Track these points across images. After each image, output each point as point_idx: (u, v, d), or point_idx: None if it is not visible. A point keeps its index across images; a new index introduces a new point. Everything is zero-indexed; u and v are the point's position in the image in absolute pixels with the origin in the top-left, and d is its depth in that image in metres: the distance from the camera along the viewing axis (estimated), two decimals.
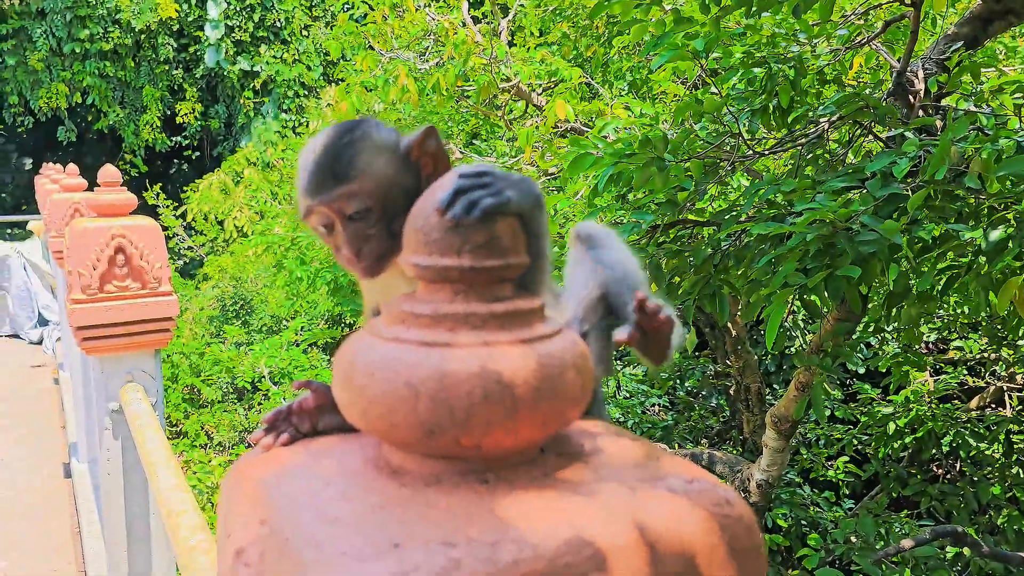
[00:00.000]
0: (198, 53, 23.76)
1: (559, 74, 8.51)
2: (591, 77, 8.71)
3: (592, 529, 1.19)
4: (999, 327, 6.48)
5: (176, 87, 23.93)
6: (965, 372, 8.35)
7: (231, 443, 9.87)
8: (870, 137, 4.44)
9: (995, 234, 3.07)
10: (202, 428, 10.03)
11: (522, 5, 10.44)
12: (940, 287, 3.69)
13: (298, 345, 12.24)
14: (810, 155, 4.84)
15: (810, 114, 4.75)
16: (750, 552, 1.24)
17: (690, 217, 5.89)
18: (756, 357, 9.17)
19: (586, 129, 7.10)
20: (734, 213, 4.81)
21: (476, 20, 10.35)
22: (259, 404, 10.36)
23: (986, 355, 7.86)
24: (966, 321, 7.16)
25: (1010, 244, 3.01)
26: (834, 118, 4.43)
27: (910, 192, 3.28)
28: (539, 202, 1.44)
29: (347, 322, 13.26)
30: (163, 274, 4.36)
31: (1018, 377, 8.19)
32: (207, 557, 2.26)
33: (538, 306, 1.32)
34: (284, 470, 1.37)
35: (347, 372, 1.29)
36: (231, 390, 10.91)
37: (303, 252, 10.91)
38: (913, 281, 3.72)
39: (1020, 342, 6.88)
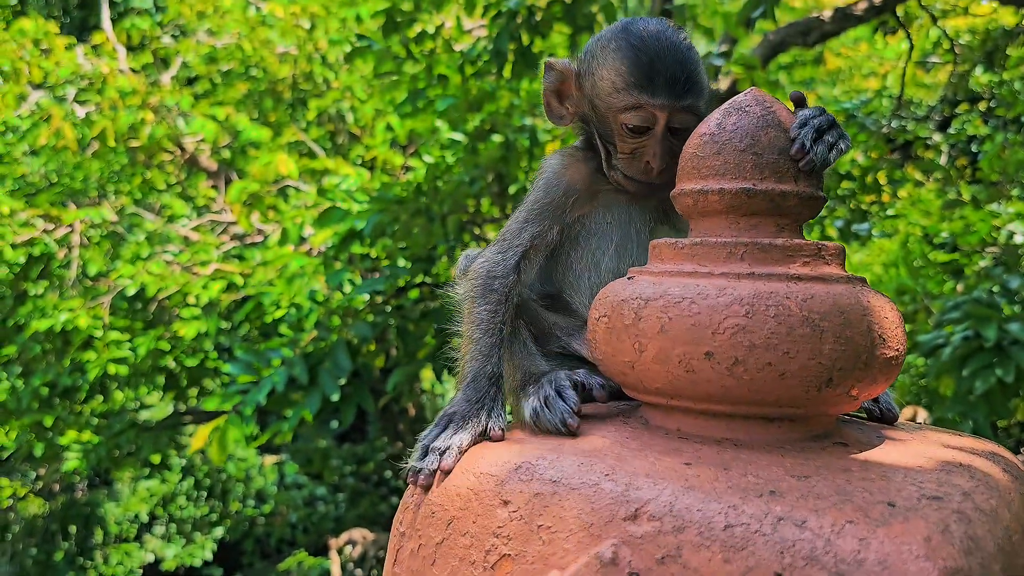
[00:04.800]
0: None
1: (245, 135, 8.01)
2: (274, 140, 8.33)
3: (962, 456, 1.16)
4: None
5: None
6: None
7: None
8: None
9: None
10: None
11: (185, 63, 9.70)
12: None
13: None
14: None
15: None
16: None
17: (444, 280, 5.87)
18: None
19: (303, 188, 6.74)
20: None
21: (133, 71, 9.36)
22: None
23: None
24: None
25: None
26: None
27: None
28: None
29: None
30: None
31: None
32: None
33: None
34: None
35: (682, 318, 1.07)
36: None
37: None
38: None
39: None
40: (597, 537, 0.99)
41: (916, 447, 1.16)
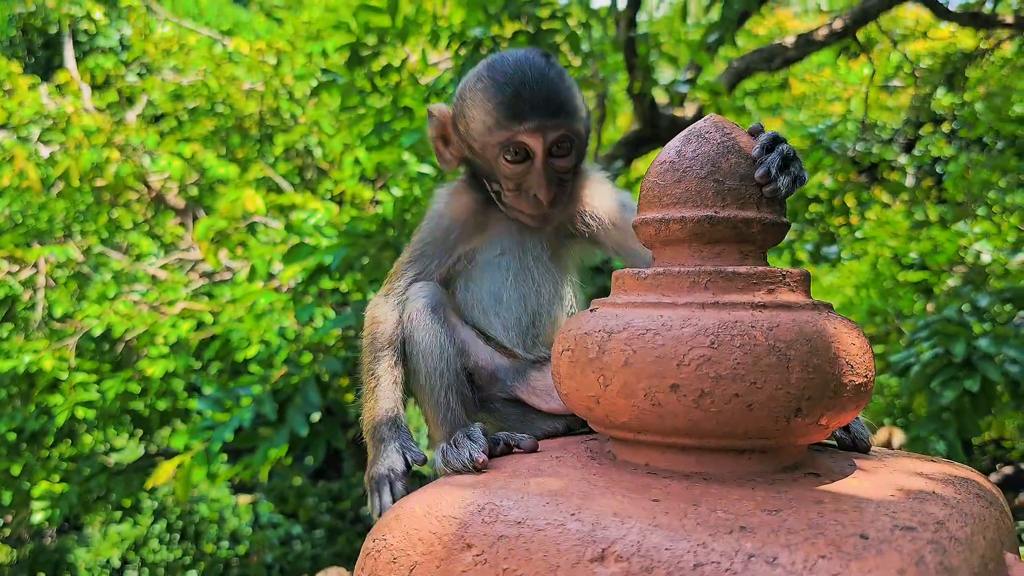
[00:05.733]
0: None
1: (212, 172, 7.95)
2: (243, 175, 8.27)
3: (935, 484, 1.15)
4: None
5: None
6: None
7: None
8: None
9: None
10: None
11: (151, 101, 9.65)
12: None
13: None
14: None
15: None
16: None
17: None
18: None
19: (272, 224, 6.68)
20: None
21: (98, 109, 9.29)
22: None
23: None
24: None
25: None
26: None
27: None
28: None
29: None
30: None
31: None
32: None
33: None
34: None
35: (646, 350, 1.04)
36: None
37: None
38: None
39: None
40: None
41: (888, 475, 1.14)
